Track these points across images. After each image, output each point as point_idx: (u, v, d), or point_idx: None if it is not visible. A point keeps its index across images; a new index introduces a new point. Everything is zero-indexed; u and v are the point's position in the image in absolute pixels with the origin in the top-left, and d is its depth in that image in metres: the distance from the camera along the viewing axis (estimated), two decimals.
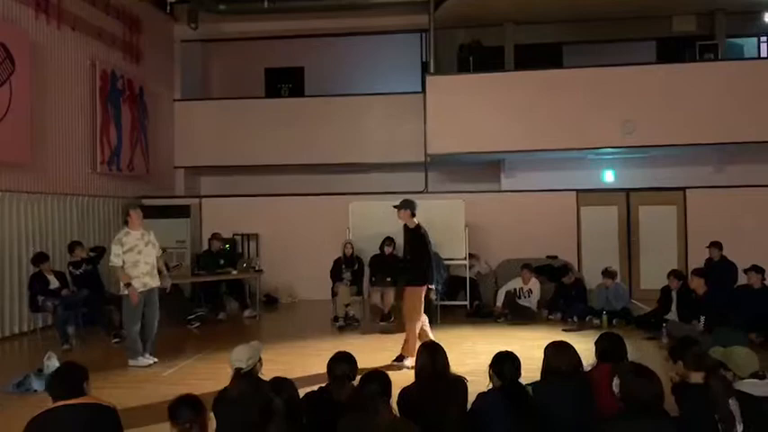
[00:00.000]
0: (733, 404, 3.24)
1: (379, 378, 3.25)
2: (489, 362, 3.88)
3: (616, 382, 3.22)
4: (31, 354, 7.70)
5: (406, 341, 6.84)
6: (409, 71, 13.43)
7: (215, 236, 10.47)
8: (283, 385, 3.11)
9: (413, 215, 6.94)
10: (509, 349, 3.96)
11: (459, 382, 3.96)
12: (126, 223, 7.17)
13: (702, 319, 7.60)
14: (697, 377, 3.42)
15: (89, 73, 10.46)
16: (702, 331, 7.25)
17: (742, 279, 8.47)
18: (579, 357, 4.07)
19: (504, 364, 3.82)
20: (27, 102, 8.84)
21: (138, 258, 6.98)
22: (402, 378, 4.09)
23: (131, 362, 6.94)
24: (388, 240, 9.56)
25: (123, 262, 6.90)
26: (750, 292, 8.03)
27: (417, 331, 6.81)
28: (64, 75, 9.87)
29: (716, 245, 9.26)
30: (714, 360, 3.56)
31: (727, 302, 7.72)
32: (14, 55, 8.58)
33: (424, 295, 6.92)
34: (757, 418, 3.32)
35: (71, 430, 3.20)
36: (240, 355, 3.86)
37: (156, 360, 7.01)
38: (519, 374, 3.83)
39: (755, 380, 3.59)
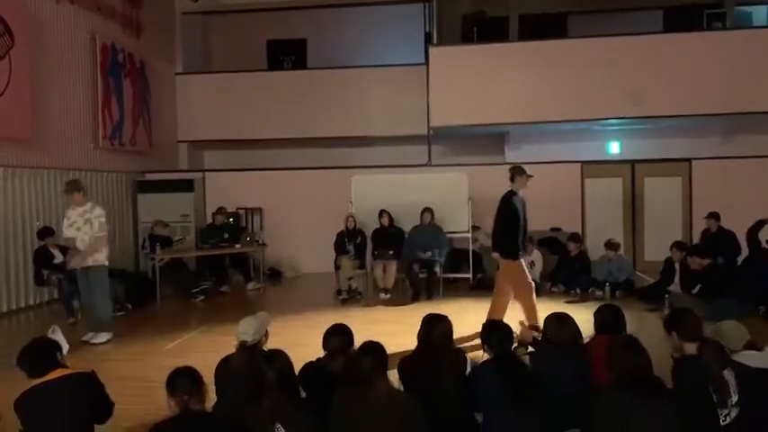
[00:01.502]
0: (728, 374, 3.24)
1: (374, 350, 3.26)
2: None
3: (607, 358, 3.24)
4: (36, 327, 7.77)
5: (527, 314, 6.47)
6: (412, 42, 13.26)
7: (219, 210, 10.51)
8: (276, 357, 3.12)
9: (511, 180, 6.67)
10: (512, 321, 3.99)
11: (459, 354, 3.98)
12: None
13: (697, 287, 7.60)
14: (691, 348, 3.42)
15: (89, 47, 10.40)
16: (704, 302, 7.23)
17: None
18: (578, 329, 4.08)
19: (493, 334, 3.84)
20: (27, 76, 8.80)
21: (76, 235, 6.92)
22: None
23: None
24: (382, 213, 9.58)
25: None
26: (757, 264, 8.00)
27: (504, 304, 6.56)
28: (64, 49, 9.81)
29: (713, 215, 9.12)
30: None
31: (727, 274, 7.70)
32: (13, 29, 8.53)
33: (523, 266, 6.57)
34: (753, 389, 3.33)
35: (56, 404, 3.24)
36: (246, 328, 3.89)
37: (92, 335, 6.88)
38: (510, 344, 3.85)
39: (753, 351, 3.59)
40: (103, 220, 6.97)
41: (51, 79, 9.50)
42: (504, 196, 6.68)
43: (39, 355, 3.44)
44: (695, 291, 7.63)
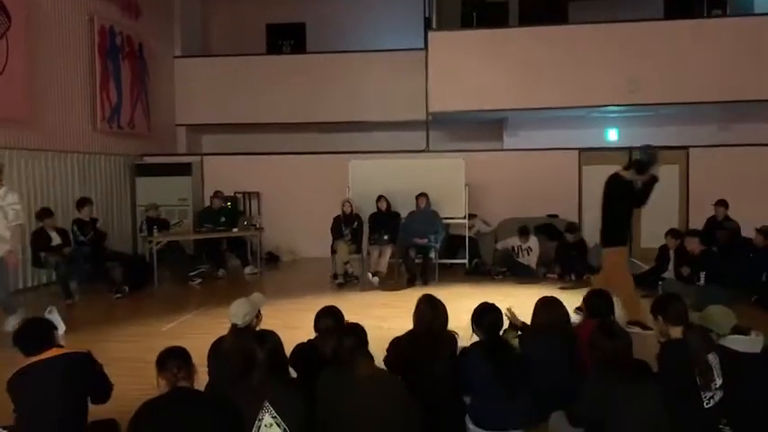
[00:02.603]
0: (712, 358, 3.28)
1: (356, 331, 3.31)
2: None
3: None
4: (34, 308, 7.77)
5: (625, 307, 6.28)
6: (411, 27, 13.20)
7: (217, 194, 10.54)
8: (266, 337, 3.17)
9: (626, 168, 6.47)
10: (505, 306, 4.04)
11: (450, 337, 4.02)
12: None
13: (702, 276, 7.61)
14: (676, 332, 3.47)
15: (87, 28, 10.36)
16: (696, 289, 7.27)
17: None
18: (567, 313, 4.14)
19: (483, 316, 3.89)
20: (24, 58, 8.78)
21: None
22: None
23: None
24: (380, 198, 9.60)
25: None
26: (753, 251, 8.03)
27: (629, 293, 6.35)
28: (61, 30, 9.78)
29: (722, 203, 9.12)
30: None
31: (722, 260, 7.73)
32: (10, 10, 8.50)
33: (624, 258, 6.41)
34: (737, 373, 3.38)
35: (51, 383, 3.27)
36: (237, 311, 3.93)
37: None
38: (500, 327, 3.89)
39: (740, 336, 3.63)
40: (19, 207, 6.35)
41: (49, 61, 9.48)
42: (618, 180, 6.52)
43: (34, 334, 3.48)
44: (701, 281, 7.59)
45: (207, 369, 3.87)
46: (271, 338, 3.15)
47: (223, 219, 10.16)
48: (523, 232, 9.65)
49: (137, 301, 8.26)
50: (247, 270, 10.25)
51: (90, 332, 6.53)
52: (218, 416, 2.87)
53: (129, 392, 4.37)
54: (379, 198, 9.61)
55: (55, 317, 6.22)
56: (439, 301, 4.07)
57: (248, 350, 3.01)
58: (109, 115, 10.85)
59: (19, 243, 6.30)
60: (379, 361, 3.71)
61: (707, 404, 3.31)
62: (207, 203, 11.00)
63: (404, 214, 9.75)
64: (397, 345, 3.90)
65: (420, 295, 4.14)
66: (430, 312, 3.93)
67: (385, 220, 9.49)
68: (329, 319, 3.83)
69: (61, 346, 3.54)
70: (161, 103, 12.71)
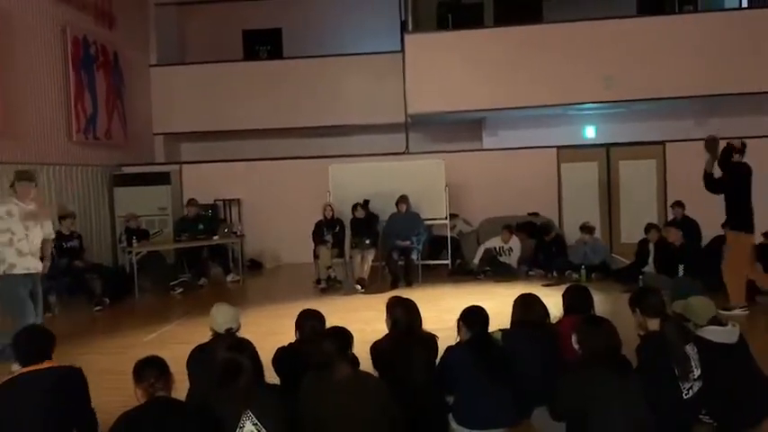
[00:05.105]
0: (690, 349, 3.32)
1: (336, 335, 3.30)
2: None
3: (575, 338, 3.29)
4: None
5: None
6: (388, 30, 13.22)
7: (191, 201, 10.48)
8: (244, 345, 3.16)
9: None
10: (487, 305, 4.06)
11: (430, 338, 4.02)
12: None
13: (681, 268, 7.69)
14: (654, 324, 3.50)
15: (60, 39, 10.24)
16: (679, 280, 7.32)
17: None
18: (546, 309, 4.17)
19: (473, 317, 3.91)
20: None
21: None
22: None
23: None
24: (355, 206, 9.58)
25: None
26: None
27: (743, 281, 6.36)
28: (34, 42, 9.65)
29: (679, 204, 9.29)
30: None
31: (701, 253, 7.82)
32: None
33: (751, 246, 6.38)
34: (715, 363, 3.42)
35: (38, 395, 3.22)
36: (222, 318, 3.94)
37: None
38: (487, 327, 3.92)
39: (716, 327, 3.67)
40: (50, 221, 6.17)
41: (22, 72, 9.34)
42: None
43: (35, 341, 3.47)
44: (680, 273, 7.67)
45: (187, 377, 3.84)
46: (248, 346, 3.13)
47: (201, 226, 10.09)
48: (507, 228, 9.70)
49: (117, 313, 8.18)
50: (229, 278, 10.18)
51: (71, 345, 6.43)
52: (197, 425, 2.85)
53: (112, 405, 4.31)
54: (355, 207, 9.59)
55: None
56: (410, 300, 4.08)
57: (235, 358, 3.00)
58: (84, 126, 10.73)
59: (48, 255, 6.12)
60: (366, 364, 3.69)
61: (686, 395, 3.34)
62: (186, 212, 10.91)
63: (385, 217, 9.75)
64: (377, 348, 3.89)
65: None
66: (405, 314, 3.94)
67: (364, 226, 9.49)
68: (310, 322, 3.83)
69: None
70: (138, 112, 12.60)
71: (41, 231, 5.96)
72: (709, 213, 9.02)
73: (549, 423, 3.48)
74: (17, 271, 5.73)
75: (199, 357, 3.88)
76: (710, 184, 6.63)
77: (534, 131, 12.37)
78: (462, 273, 9.76)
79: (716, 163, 6.62)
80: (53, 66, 10.07)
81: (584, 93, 11.17)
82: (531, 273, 9.49)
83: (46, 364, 3.34)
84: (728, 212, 6.58)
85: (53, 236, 6.21)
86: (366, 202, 9.72)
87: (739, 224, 6.49)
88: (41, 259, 5.96)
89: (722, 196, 6.67)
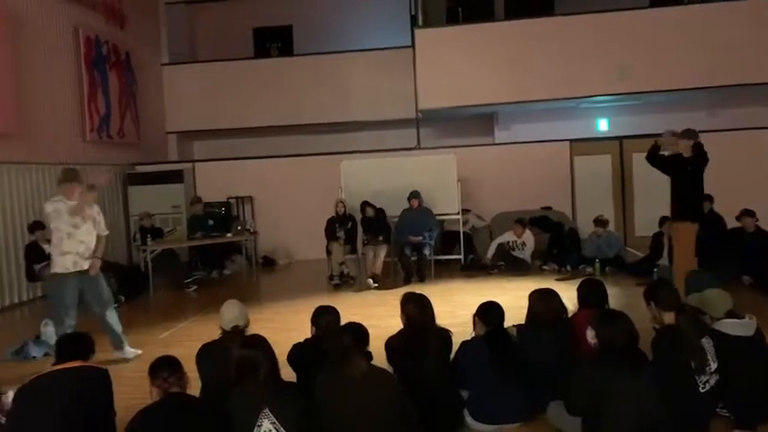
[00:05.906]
0: (706, 342, 3.29)
1: (352, 330, 3.31)
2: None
3: (590, 333, 3.27)
4: (29, 322, 7.80)
5: None
6: (398, 25, 13.20)
7: (194, 199, 10.61)
8: (258, 341, 3.17)
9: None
10: (501, 300, 4.06)
11: (444, 334, 4.02)
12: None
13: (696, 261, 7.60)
14: (669, 318, 3.47)
15: (72, 40, 10.32)
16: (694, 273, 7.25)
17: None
18: (562, 304, 4.14)
19: (491, 312, 3.91)
20: (10, 70, 8.74)
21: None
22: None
23: None
24: (363, 206, 9.59)
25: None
26: (743, 236, 8.05)
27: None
28: (47, 42, 9.73)
29: (707, 198, 9.15)
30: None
31: (718, 246, 7.74)
32: None
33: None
34: (732, 357, 3.38)
35: (61, 393, 3.24)
36: (231, 315, 3.95)
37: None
38: (503, 321, 3.92)
39: (733, 320, 3.64)
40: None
41: (35, 73, 9.44)
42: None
43: (70, 343, 3.54)
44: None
45: (198, 374, 3.86)
46: (262, 342, 3.15)
47: (210, 222, 10.15)
48: (520, 222, 9.65)
49: (133, 311, 8.22)
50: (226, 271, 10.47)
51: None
52: (210, 419, 2.88)
53: (128, 401, 4.36)
54: (363, 206, 9.59)
55: (50, 329, 6.27)
56: (423, 296, 4.09)
57: (250, 355, 3.03)
58: (98, 125, 10.82)
59: (101, 252, 6.01)
60: (380, 359, 3.69)
61: (703, 388, 3.31)
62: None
63: (398, 212, 9.74)
64: (391, 344, 3.90)
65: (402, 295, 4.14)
66: (419, 309, 3.94)
67: (374, 223, 9.49)
68: (325, 318, 3.85)
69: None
70: (150, 111, 12.67)
71: (95, 228, 5.88)
72: (725, 203, 9.04)
73: (564, 417, 3.46)
74: (61, 270, 5.66)
75: (207, 354, 3.90)
76: (655, 160, 6.53)
77: (546, 125, 12.31)
78: (475, 268, 9.73)
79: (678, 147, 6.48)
80: (66, 66, 10.16)
81: (597, 85, 11.09)
82: (544, 267, 9.44)
83: (75, 363, 3.37)
84: (679, 202, 6.44)
85: (106, 232, 6.12)
86: (366, 202, 9.73)
87: (686, 214, 6.37)
88: (96, 256, 5.84)
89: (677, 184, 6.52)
